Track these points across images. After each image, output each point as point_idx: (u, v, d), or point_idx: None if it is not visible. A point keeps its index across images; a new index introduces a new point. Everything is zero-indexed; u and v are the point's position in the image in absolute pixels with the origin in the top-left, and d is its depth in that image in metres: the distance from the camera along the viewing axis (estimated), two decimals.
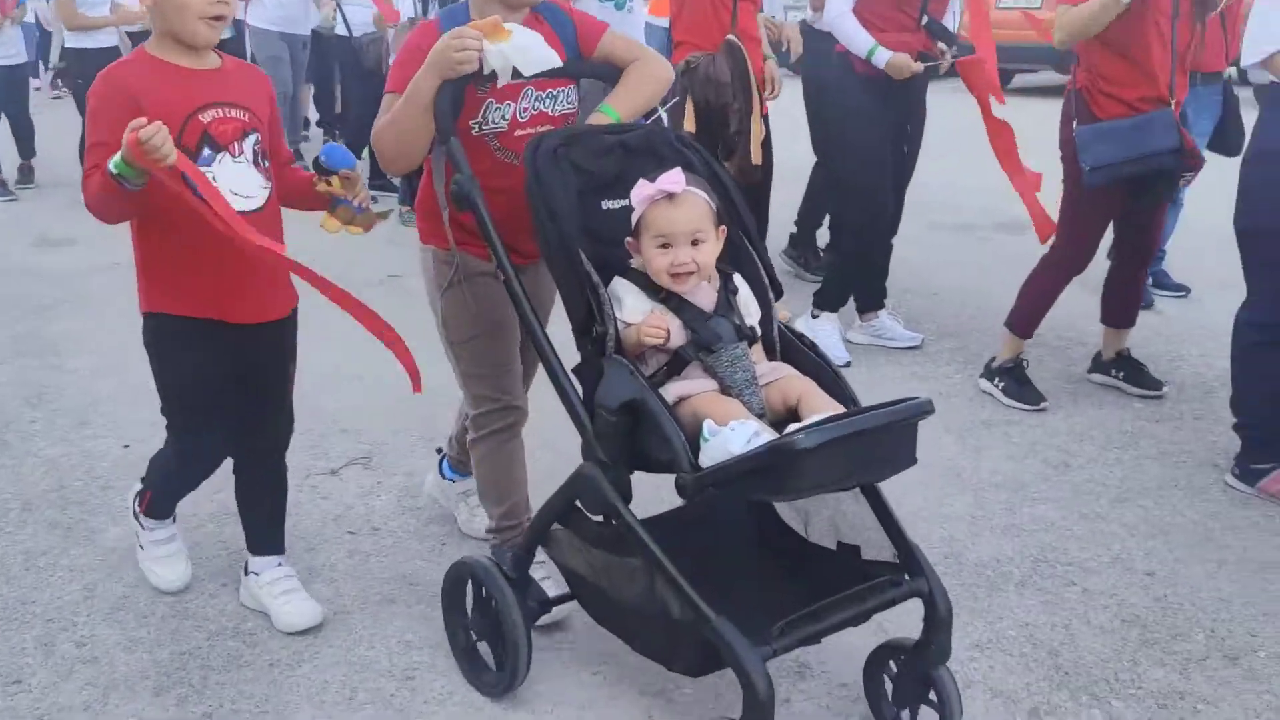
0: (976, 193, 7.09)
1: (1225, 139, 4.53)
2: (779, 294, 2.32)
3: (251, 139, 2.39)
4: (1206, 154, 4.04)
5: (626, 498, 2.08)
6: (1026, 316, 3.99)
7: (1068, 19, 3.59)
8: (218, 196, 2.18)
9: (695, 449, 1.95)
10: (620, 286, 2.16)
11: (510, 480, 2.70)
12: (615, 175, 2.27)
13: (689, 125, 4.23)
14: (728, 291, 2.20)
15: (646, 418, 1.99)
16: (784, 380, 2.14)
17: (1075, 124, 3.67)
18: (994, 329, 4.71)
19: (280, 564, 2.71)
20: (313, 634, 2.60)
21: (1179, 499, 3.28)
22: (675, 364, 2.11)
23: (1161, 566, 2.91)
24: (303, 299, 2.57)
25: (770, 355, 2.25)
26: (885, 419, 1.92)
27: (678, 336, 2.11)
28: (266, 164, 2.45)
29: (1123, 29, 3.50)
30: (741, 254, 2.30)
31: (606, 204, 2.28)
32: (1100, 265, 4.02)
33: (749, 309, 2.22)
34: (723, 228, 2.20)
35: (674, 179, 2.12)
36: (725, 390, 2.08)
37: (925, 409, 1.95)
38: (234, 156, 2.36)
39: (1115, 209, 3.75)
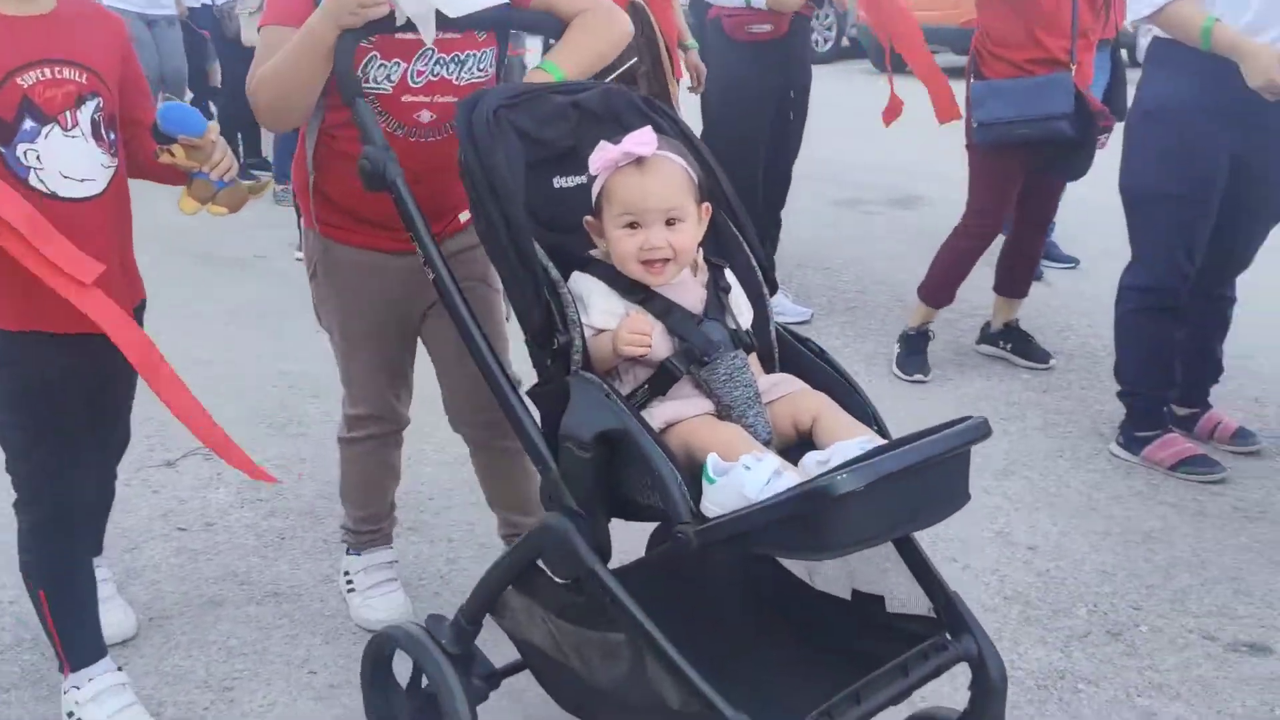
0: (871, 169, 7.04)
1: (1112, 104, 4.48)
2: (774, 289, 1.89)
3: (90, 105, 1.96)
4: None
5: (605, 556, 1.64)
6: (937, 287, 3.88)
7: None
8: (8, 200, 1.76)
9: (692, 488, 1.55)
10: (583, 283, 1.73)
11: (378, 487, 2.48)
12: (570, 146, 1.85)
13: None
14: (718, 289, 1.78)
15: (629, 452, 1.56)
16: (793, 396, 1.73)
17: (971, 80, 3.58)
18: (885, 303, 4.64)
19: (98, 566, 2.42)
20: (123, 643, 2.34)
21: (1064, 469, 3.19)
22: (659, 380, 1.69)
23: (1044, 540, 2.81)
24: (146, 278, 2.15)
25: (768, 365, 1.85)
26: (943, 446, 1.49)
27: (662, 345, 1.68)
28: (112, 136, 2.01)
29: None
30: (726, 242, 1.89)
31: (559, 182, 1.86)
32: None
33: (740, 309, 1.81)
34: (706, 205, 1.77)
35: (643, 139, 1.69)
36: (724, 412, 1.67)
37: (984, 431, 1.54)
38: (65, 129, 1.92)
39: (1018, 173, 3.64)
